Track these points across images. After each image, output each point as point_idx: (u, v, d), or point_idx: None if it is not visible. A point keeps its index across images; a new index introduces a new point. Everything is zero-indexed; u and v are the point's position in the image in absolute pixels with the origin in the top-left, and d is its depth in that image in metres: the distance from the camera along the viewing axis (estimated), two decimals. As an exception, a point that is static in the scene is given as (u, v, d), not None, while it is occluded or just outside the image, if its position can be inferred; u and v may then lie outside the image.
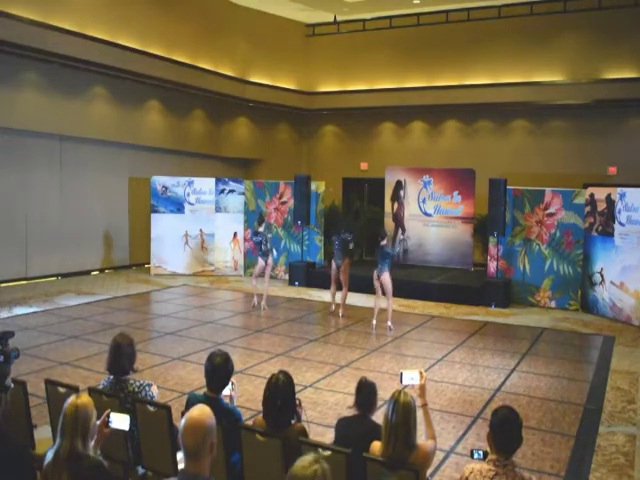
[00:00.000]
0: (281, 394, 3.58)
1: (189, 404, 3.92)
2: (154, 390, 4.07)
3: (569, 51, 14.68)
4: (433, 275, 12.76)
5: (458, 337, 9.15)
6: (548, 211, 11.34)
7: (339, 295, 10.47)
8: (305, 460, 2.30)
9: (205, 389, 3.88)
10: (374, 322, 9.54)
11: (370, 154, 17.35)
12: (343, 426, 3.80)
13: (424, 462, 3.31)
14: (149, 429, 3.86)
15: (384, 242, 9.41)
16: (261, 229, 10.66)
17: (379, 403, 6.01)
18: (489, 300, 11.31)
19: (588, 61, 14.48)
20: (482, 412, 6.11)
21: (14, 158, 12.34)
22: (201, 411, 2.60)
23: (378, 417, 3.73)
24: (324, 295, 11.71)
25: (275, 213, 13.93)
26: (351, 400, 3.93)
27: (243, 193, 14.16)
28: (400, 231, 14.21)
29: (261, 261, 10.70)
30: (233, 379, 3.92)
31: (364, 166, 17.52)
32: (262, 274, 10.81)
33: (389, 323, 9.46)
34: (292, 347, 8.39)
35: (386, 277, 9.32)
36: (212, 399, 3.73)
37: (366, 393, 3.79)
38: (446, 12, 15.79)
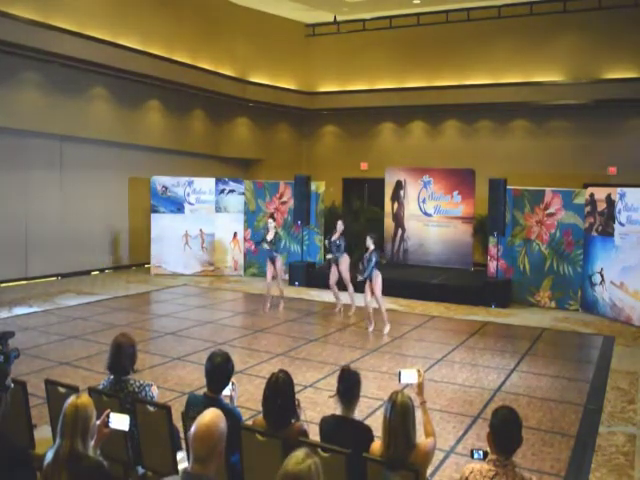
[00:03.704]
0: (281, 393, 3.57)
1: (189, 404, 3.92)
2: (154, 390, 4.07)
3: (569, 51, 14.68)
4: (433, 275, 12.76)
5: (458, 337, 9.15)
6: (548, 211, 11.34)
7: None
8: (297, 456, 2.31)
9: (205, 389, 3.88)
10: (372, 327, 9.47)
11: (370, 154, 17.35)
12: (326, 427, 3.71)
13: (424, 461, 3.31)
14: (149, 429, 3.86)
15: (370, 251, 9.26)
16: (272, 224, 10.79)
17: (378, 403, 6.05)
18: (489, 300, 11.31)
19: (588, 61, 14.49)
20: (482, 412, 6.11)
21: (14, 158, 12.33)
22: (213, 418, 2.56)
23: (378, 418, 3.72)
24: (324, 295, 11.71)
25: (275, 213, 13.92)
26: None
27: (243, 193, 14.16)
28: (400, 231, 14.23)
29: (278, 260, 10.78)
30: (233, 379, 3.91)
31: (364, 166, 17.52)
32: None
33: (387, 328, 9.35)
34: (292, 347, 8.39)
35: (379, 280, 9.20)
36: (212, 399, 3.72)
37: (348, 382, 3.68)
38: (446, 12, 15.79)
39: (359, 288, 10.04)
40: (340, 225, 10.61)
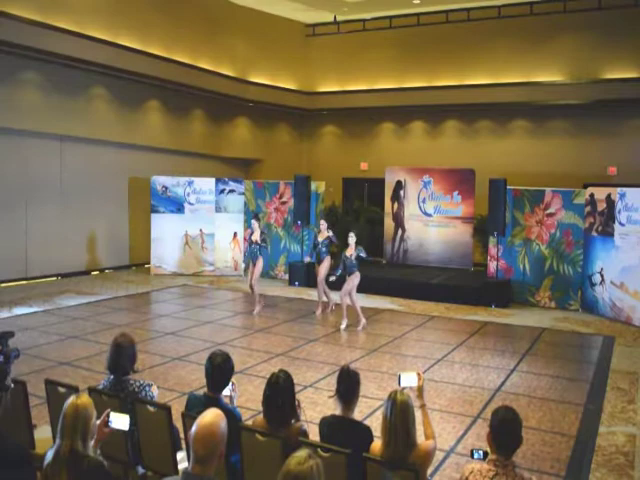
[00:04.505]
0: (281, 393, 3.57)
1: (189, 404, 3.92)
2: (154, 390, 4.07)
3: (569, 51, 14.68)
4: (433, 275, 12.76)
5: (458, 337, 9.15)
6: (548, 211, 11.34)
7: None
8: (299, 457, 2.31)
9: (205, 389, 3.88)
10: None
11: (370, 154, 17.35)
12: (326, 428, 3.70)
13: (424, 461, 3.31)
14: (149, 429, 3.86)
15: (349, 251, 9.37)
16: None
17: (378, 403, 6.05)
18: (489, 300, 11.31)
19: (588, 61, 14.48)
20: (482, 412, 6.11)
21: (14, 158, 12.33)
22: (213, 418, 2.55)
23: (378, 418, 3.72)
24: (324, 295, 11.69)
25: (275, 213, 13.93)
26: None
27: (243, 193, 14.16)
28: (400, 231, 14.22)
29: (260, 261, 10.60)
30: (233, 379, 3.91)
31: (364, 166, 17.52)
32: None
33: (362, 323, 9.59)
34: (292, 347, 8.39)
35: (355, 280, 9.37)
36: (212, 399, 3.73)
37: (348, 383, 3.67)
38: (446, 12, 15.80)
39: (333, 287, 10.42)
40: (323, 223, 10.64)
